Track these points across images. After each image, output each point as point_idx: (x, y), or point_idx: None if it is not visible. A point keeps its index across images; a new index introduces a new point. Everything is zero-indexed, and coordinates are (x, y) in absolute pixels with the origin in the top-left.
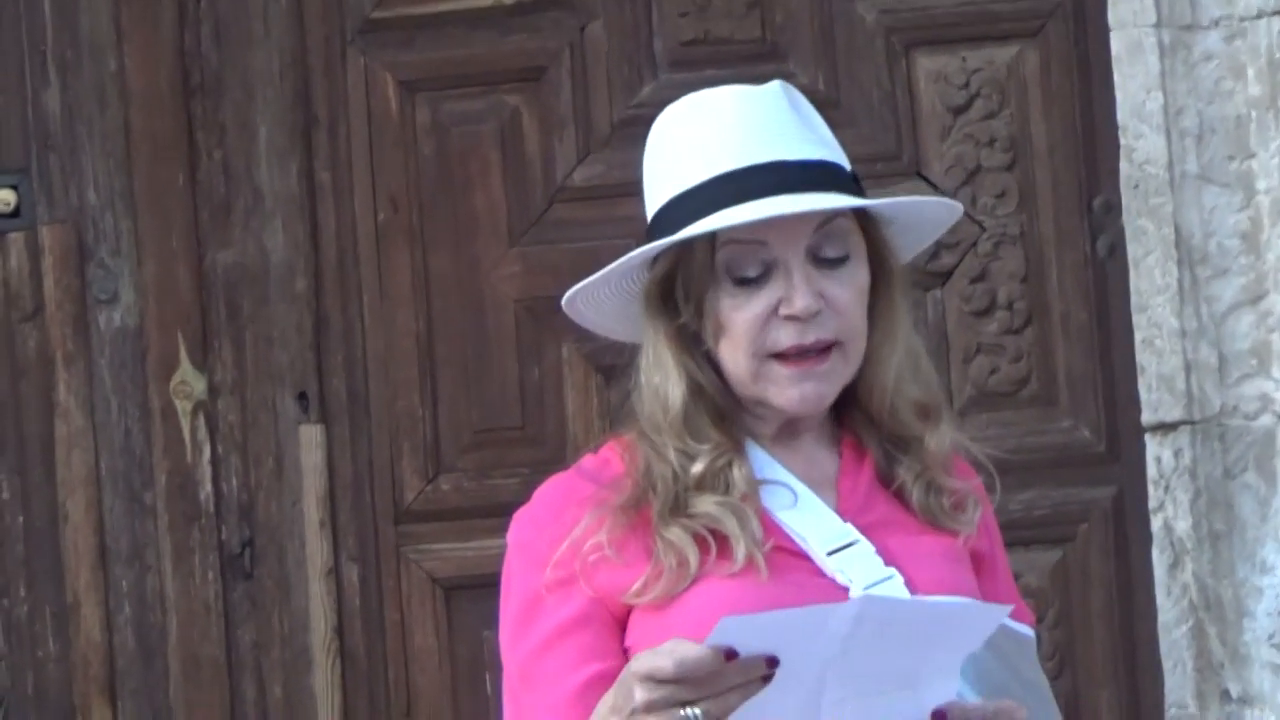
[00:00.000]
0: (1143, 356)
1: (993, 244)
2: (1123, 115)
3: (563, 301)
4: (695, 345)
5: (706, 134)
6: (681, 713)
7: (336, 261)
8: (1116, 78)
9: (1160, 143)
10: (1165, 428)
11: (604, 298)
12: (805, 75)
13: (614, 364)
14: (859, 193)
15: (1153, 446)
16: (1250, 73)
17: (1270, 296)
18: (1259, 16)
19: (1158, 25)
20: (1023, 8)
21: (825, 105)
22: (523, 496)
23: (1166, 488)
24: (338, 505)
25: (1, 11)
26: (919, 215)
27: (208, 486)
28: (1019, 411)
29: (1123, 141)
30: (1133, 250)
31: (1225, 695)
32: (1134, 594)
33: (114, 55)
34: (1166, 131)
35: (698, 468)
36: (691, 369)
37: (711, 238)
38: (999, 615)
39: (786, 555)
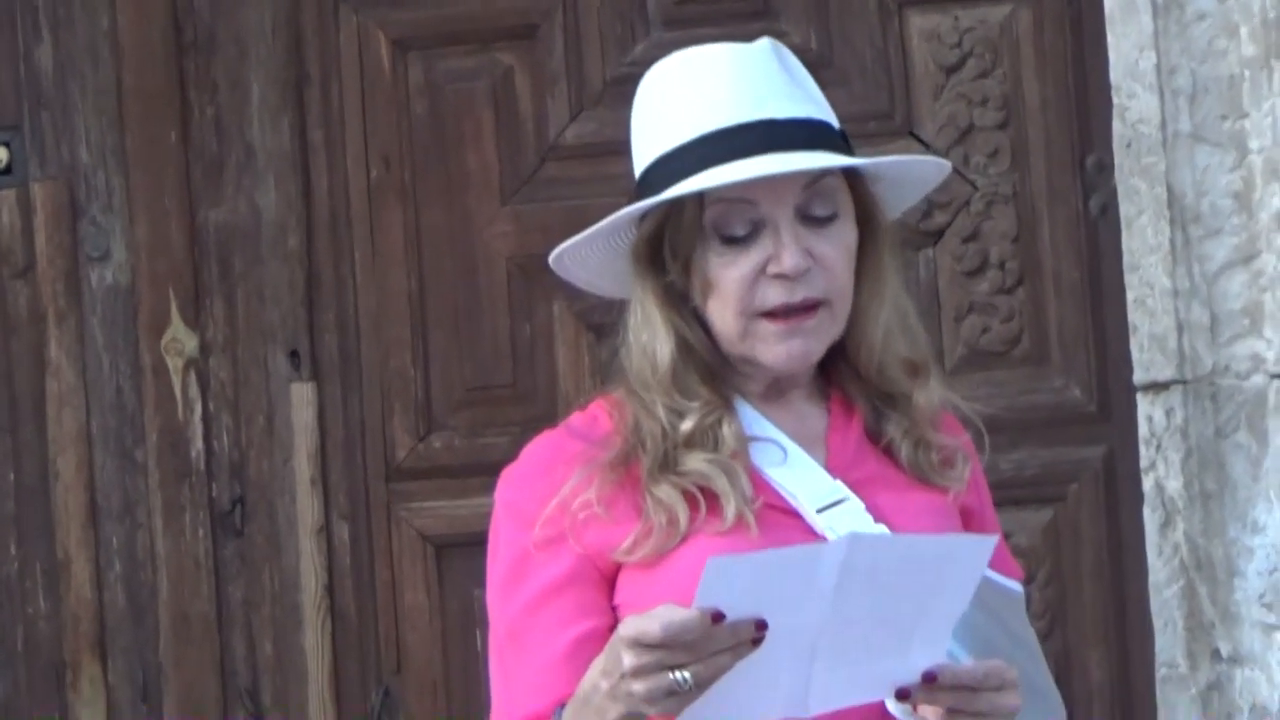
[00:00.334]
0: (1134, 316)
1: (985, 203)
2: (1115, 74)
3: (550, 259)
4: (683, 303)
5: (694, 92)
6: (670, 676)
7: (328, 220)
8: (1109, 37)
9: (1153, 102)
10: (1157, 387)
11: (590, 255)
12: (798, 34)
13: (605, 322)
14: (848, 151)
15: (1144, 406)
16: (1244, 32)
17: (1263, 256)
18: None
19: None
20: None
21: (818, 64)
22: (513, 454)
23: (1158, 447)
24: (329, 463)
25: None
26: (907, 173)
27: (199, 444)
28: (1010, 371)
29: (1115, 101)
30: (1125, 209)
31: (1215, 655)
32: (1125, 553)
33: (106, 12)
34: (1159, 91)
35: (687, 425)
36: (679, 326)
37: (700, 196)
38: (987, 548)
39: (776, 513)
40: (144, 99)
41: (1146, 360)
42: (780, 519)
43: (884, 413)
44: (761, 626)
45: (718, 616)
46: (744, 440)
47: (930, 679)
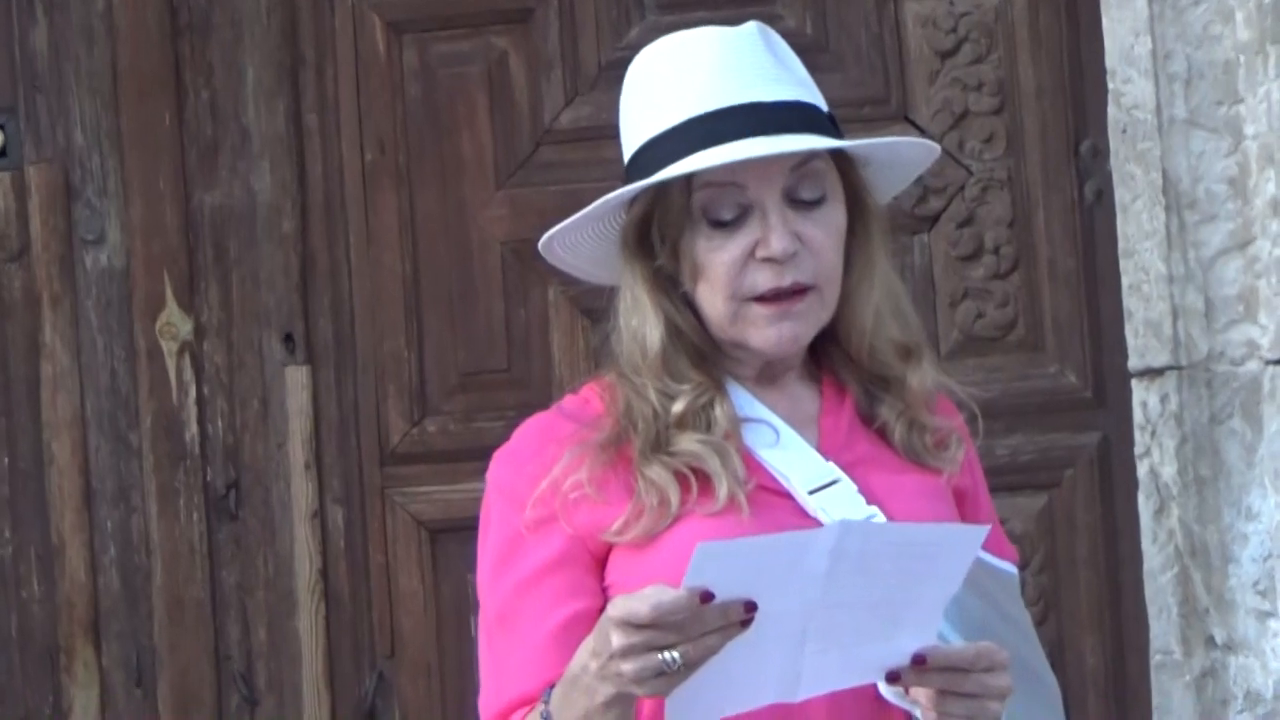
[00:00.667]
0: (1129, 302)
1: (980, 188)
2: (1111, 60)
3: (539, 245)
4: (672, 288)
5: (682, 76)
6: (659, 657)
7: (323, 203)
8: (1105, 22)
9: (1148, 87)
10: (1152, 373)
11: (580, 241)
12: (793, 18)
13: (600, 306)
14: (835, 134)
15: (1139, 392)
16: (1239, 17)
17: (1258, 242)
18: None
19: None
20: None
21: (813, 49)
22: (508, 440)
23: (1153, 433)
24: (323, 447)
25: None
26: (896, 156)
27: (193, 428)
28: (1005, 356)
29: (1111, 86)
30: (1120, 195)
31: (1210, 641)
32: (1119, 539)
33: None
34: (1155, 76)
35: (679, 406)
36: (669, 310)
37: (687, 180)
38: (977, 537)
39: (769, 494)
40: (139, 82)
41: (1141, 346)
42: (772, 500)
43: (877, 395)
44: (751, 608)
45: (707, 597)
46: (736, 421)
47: (920, 661)
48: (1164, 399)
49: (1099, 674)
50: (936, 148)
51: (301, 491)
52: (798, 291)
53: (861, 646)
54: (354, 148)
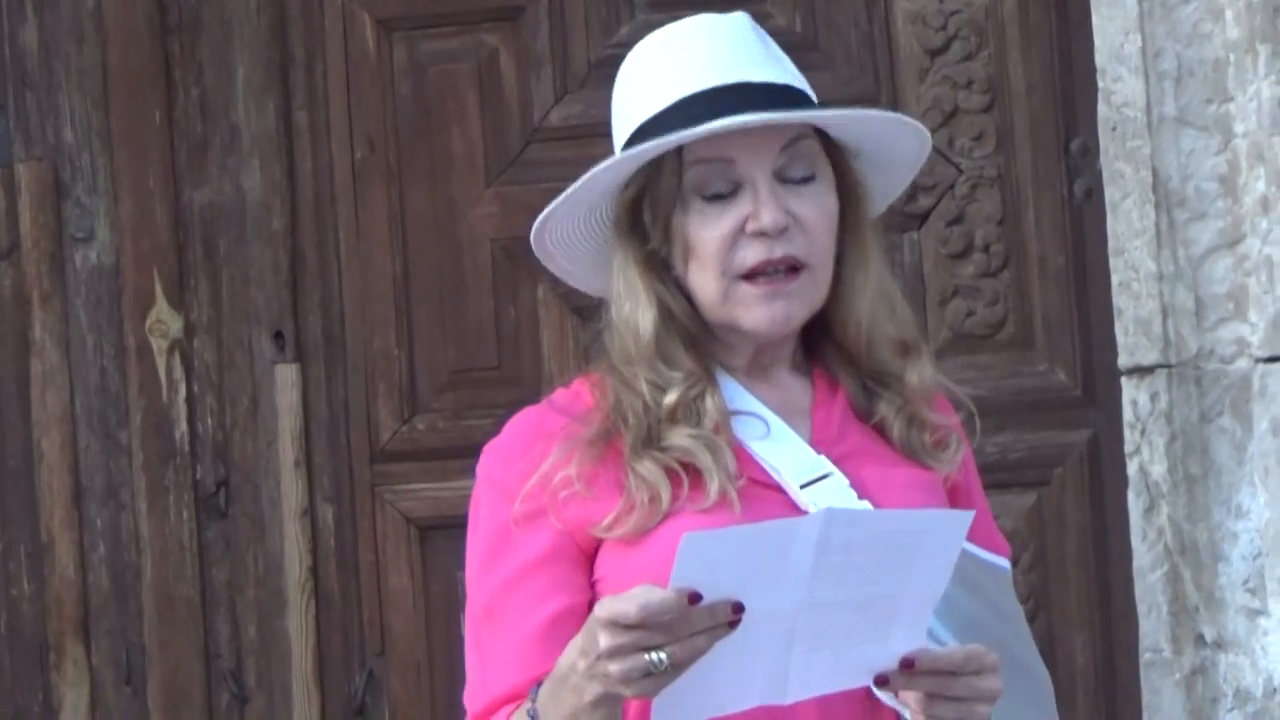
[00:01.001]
0: (1119, 300)
1: (970, 186)
2: (1101, 58)
3: (532, 233)
4: (665, 271)
5: (671, 62)
6: (646, 658)
7: (313, 201)
8: (1095, 19)
9: (1138, 85)
10: (1141, 371)
11: (573, 239)
12: (783, 16)
13: (590, 304)
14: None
15: (1129, 390)
16: (1229, 15)
17: (1248, 240)
18: None
19: None
20: None
21: (802, 47)
22: (498, 434)
23: (1142, 431)
24: (313, 445)
25: None
26: (887, 146)
27: (183, 425)
28: (995, 354)
29: (1101, 84)
30: (1110, 193)
31: (1200, 639)
32: (1109, 538)
33: None
34: (1145, 74)
35: (670, 398)
36: (661, 293)
37: (678, 158)
38: (963, 522)
39: (760, 488)
40: (129, 79)
41: (1131, 344)
42: (764, 494)
43: (875, 391)
44: (738, 609)
45: (694, 598)
46: (726, 413)
47: (908, 665)
48: (1154, 397)
49: (1089, 672)
50: (925, 132)
51: (291, 489)
52: (790, 270)
53: (850, 648)
54: (344, 145)
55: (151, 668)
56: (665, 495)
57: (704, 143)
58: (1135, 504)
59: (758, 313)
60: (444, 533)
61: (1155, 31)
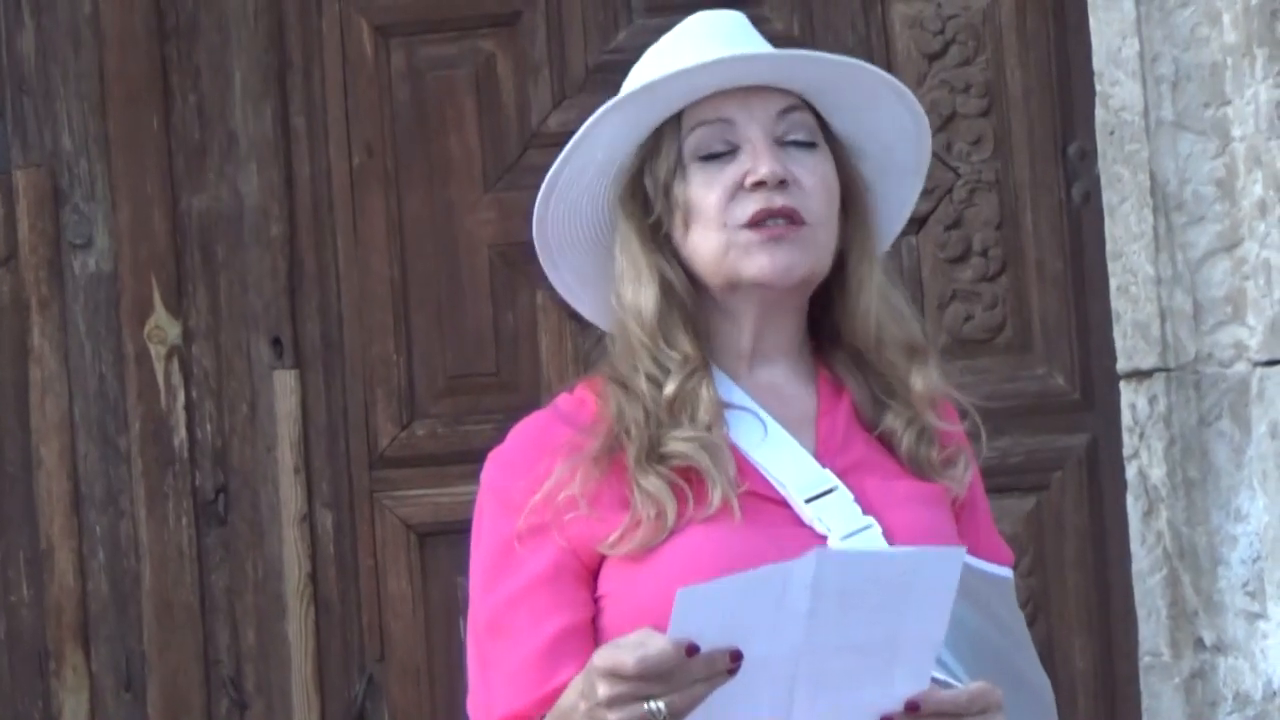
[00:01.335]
0: (1118, 303)
1: (968, 190)
2: (1098, 61)
3: (534, 224)
4: (666, 247)
5: (669, 49)
6: (645, 707)
7: (311, 207)
8: (1092, 23)
9: (1136, 89)
10: (1140, 375)
11: (573, 237)
12: (780, 20)
13: (581, 313)
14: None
15: (1127, 394)
16: (1226, 19)
17: (1245, 244)
18: None
19: None
20: None
21: None
22: (497, 443)
23: (1141, 435)
24: (312, 451)
25: None
26: (888, 146)
27: (182, 432)
28: (994, 358)
29: (1098, 88)
30: (1108, 197)
31: (1199, 643)
32: (1108, 541)
33: None
34: (1142, 78)
35: (669, 389)
36: (662, 268)
37: (678, 125)
38: (958, 559)
39: (765, 502)
40: (126, 86)
41: (1129, 348)
42: (769, 508)
43: (883, 402)
44: (736, 657)
45: (692, 650)
46: (720, 405)
47: (913, 708)
48: (1152, 401)
49: (1088, 676)
50: (919, 109)
51: (290, 495)
52: (791, 221)
53: (854, 691)
54: (341, 151)
55: (151, 674)
56: (671, 511)
57: (703, 105)
58: (1134, 508)
59: (759, 259)
60: (443, 538)
61: (1153, 35)
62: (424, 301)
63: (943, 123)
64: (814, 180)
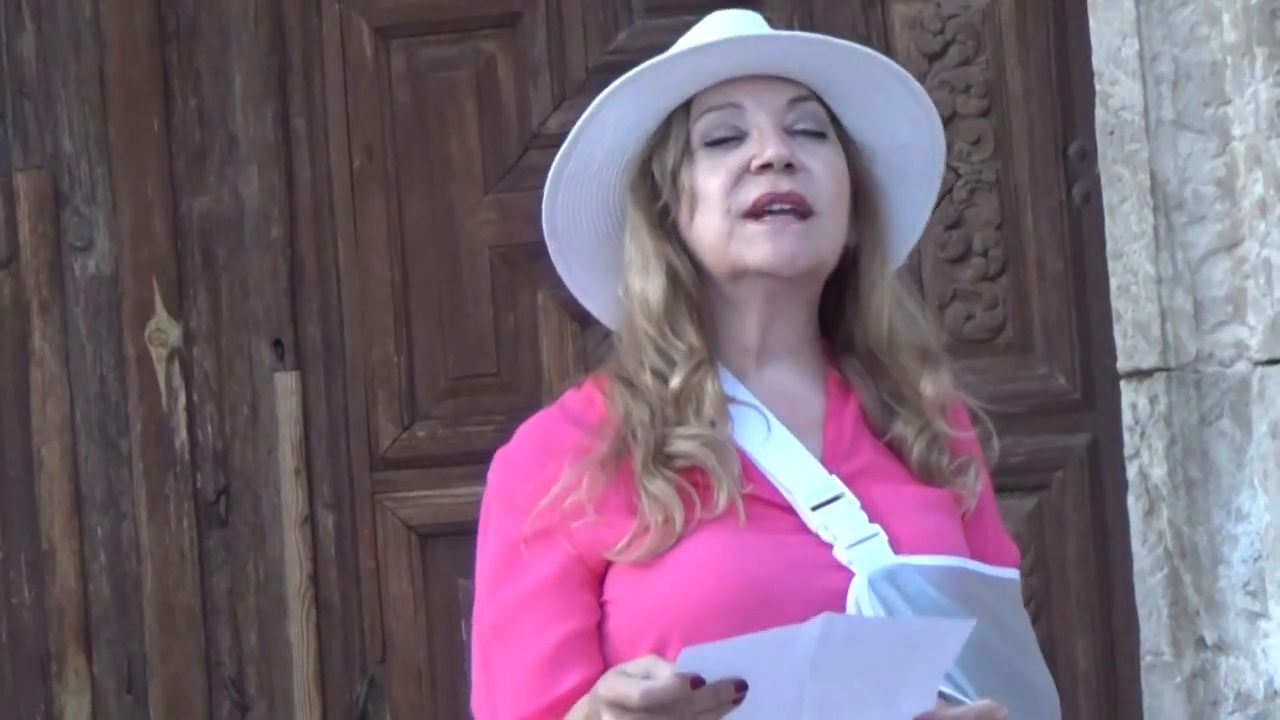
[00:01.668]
0: (1118, 303)
1: (968, 190)
2: (1098, 61)
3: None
4: (674, 235)
5: (684, 41)
6: None
7: (311, 209)
8: (1092, 23)
9: (1136, 89)
10: (1141, 374)
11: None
12: (781, 21)
13: (589, 311)
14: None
15: (1128, 393)
16: (1226, 18)
17: (1246, 243)
18: None
19: None
20: None
21: None
22: (498, 444)
23: (1142, 434)
24: (313, 453)
25: None
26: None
27: (183, 434)
28: (994, 358)
29: (1098, 88)
30: (1108, 197)
31: (1200, 642)
32: (1109, 541)
33: (89, 1)
34: (1142, 77)
35: (674, 383)
36: (670, 256)
37: (687, 112)
38: (963, 631)
39: (770, 508)
40: (127, 88)
41: (1130, 347)
42: (775, 514)
43: (893, 408)
44: (741, 687)
45: (697, 683)
46: (724, 399)
47: None
48: (1153, 400)
49: (1089, 676)
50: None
51: (291, 497)
52: (798, 211)
53: (860, 715)
54: (342, 153)
55: (153, 676)
56: (678, 517)
57: (712, 91)
58: (1135, 507)
59: (763, 248)
60: (444, 540)
61: (1152, 35)
62: (425, 303)
63: (943, 123)
64: (822, 168)
